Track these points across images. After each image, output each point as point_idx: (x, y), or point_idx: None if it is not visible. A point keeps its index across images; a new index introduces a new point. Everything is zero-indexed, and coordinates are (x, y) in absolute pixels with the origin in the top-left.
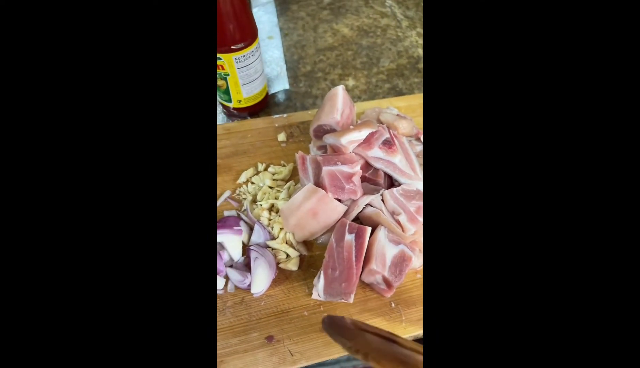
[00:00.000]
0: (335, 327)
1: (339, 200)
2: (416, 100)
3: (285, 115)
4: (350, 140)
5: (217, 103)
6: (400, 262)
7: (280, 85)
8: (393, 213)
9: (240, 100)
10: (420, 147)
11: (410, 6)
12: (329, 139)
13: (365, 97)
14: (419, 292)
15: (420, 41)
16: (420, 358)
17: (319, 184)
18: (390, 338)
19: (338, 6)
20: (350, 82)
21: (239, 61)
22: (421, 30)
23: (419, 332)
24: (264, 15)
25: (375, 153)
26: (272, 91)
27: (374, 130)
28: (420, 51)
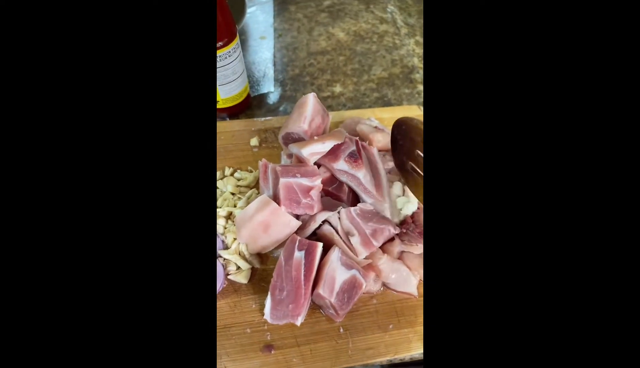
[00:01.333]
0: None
1: (297, 216)
2: (401, 112)
3: (262, 119)
4: (312, 151)
5: None
6: (350, 288)
7: (266, 87)
8: (348, 234)
9: (217, 101)
10: (392, 164)
11: (413, 13)
12: (292, 149)
13: (351, 106)
14: (372, 318)
15: (418, 50)
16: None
17: (276, 195)
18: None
19: (337, 9)
20: (338, 89)
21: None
22: (420, 39)
23: (366, 361)
24: (261, 15)
25: (341, 166)
26: (257, 93)
27: (339, 142)
28: (416, 61)
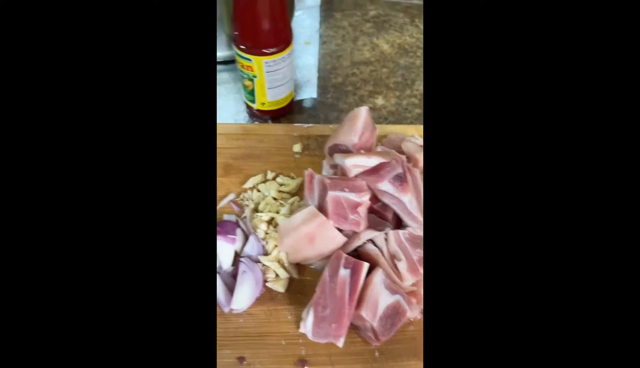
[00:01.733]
0: None
1: (340, 230)
2: None
3: (305, 125)
4: (355, 163)
5: (242, 102)
6: (394, 314)
7: (308, 93)
8: (394, 257)
9: (264, 103)
10: None
11: None
12: (337, 158)
13: (392, 120)
14: (408, 345)
15: None
16: None
17: (322, 207)
18: None
19: (382, 20)
20: (380, 101)
21: (269, 65)
22: None
23: None
24: (307, 20)
25: (385, 187)
26: (299, 98)
27: (385, 161)
28: None
